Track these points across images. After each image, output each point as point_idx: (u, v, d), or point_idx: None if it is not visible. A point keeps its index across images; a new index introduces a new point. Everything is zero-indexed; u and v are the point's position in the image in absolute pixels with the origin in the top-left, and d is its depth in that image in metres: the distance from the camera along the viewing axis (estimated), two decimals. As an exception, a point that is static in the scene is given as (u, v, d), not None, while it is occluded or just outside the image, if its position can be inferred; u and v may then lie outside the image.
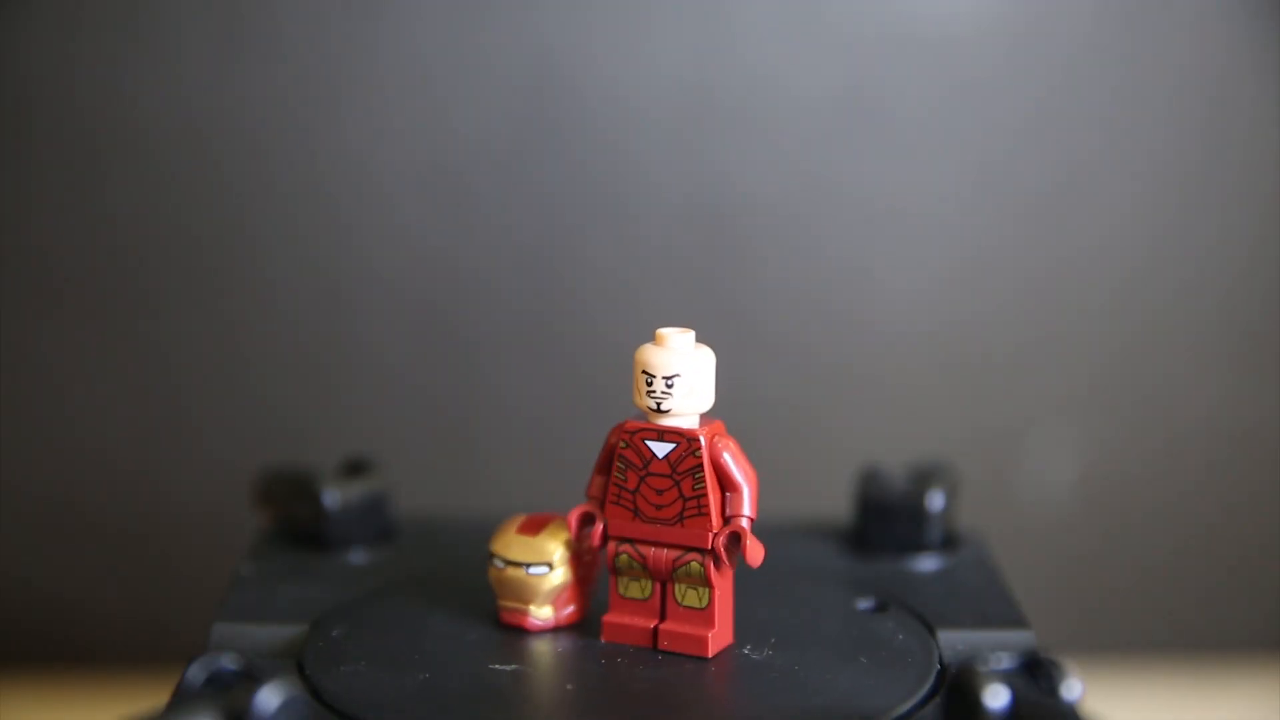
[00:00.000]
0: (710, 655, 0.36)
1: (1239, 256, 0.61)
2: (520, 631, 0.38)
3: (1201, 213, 0.61)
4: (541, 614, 0.38)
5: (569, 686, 0.35)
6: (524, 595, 0.38)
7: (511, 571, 0.37)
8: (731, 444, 0.36)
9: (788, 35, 0.58)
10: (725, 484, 0.36)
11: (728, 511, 0.36)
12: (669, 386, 0.36)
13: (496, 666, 0.36)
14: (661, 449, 0.36)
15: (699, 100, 0.59)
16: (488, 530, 0.44)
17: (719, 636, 0.37)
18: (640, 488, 0.36)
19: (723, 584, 0.37)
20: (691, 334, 0.36)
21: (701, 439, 0.36)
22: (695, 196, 0.59)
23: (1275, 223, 0.61)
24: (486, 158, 0.58)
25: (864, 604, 0.39)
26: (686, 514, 0.36)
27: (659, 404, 0.36)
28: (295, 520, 0.43)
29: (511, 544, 0.38)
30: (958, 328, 0.61)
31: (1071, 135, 0.60)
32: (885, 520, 0.43)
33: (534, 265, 0.60)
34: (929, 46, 0.58)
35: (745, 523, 0.36)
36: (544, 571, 0.37)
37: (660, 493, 0.36)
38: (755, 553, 0.36)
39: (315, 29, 0.57)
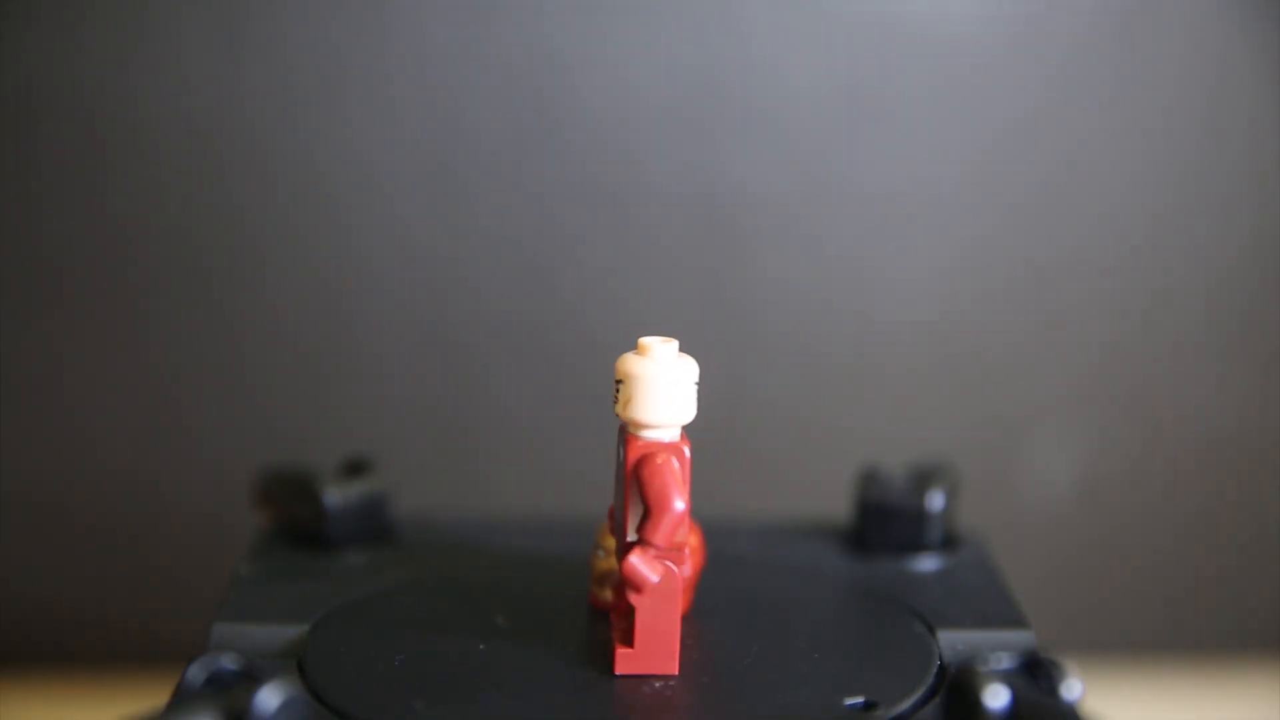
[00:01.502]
0: (617, 672, 0.35)
1: (1239, 254, 0.61)
2: (519, 630, 0.38)
3: (1201, 210, 0.61)
4: (602, 595, 0.39)
5: (475, 650, 0.36)
6: (592, 574, 0.39)
7: (594, 550, 0.39)
8: (663, 464, 0.34)
9: (788, 32, 0.58)
10: (643, 502, 0.35)
11: (640, 532, 0.35)
12: (616, 391, 0.35)
13: (487, 653, 0.36)
14: (623, 452, 0.36)
15: (700, 99, 0.59)
16: (487, 530, 0.44)
17: (635, 659, 0.35)
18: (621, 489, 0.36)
19: (644, 604, 0.35)
20: (669, 344, 0.35)
21: (630, 447, 0.35)
22: (695, 196, 0.59)
23: (1275, 220, 0.61)
24: (487, 157, 0.58)
25: (852, 701, 0.35)
26: (625, 523, 0.36)
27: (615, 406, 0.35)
28: (295, 520, 0.43)
29: (604, 526, 0.39)
30: (958, 327, 0.61)
31: (1071, 132, 0.60)
32: (885, 520, 0.43)
33: (534, 264, 0.60)
34: (929, 43, 0.58)
35: (645, 548, 0.34)
36: (601, 555, 0.38)
37: (622, 496, 0.36)
38: (634, 576, 0.34)
39: (316, 29, 0.57)
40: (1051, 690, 0.34)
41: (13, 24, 0.56)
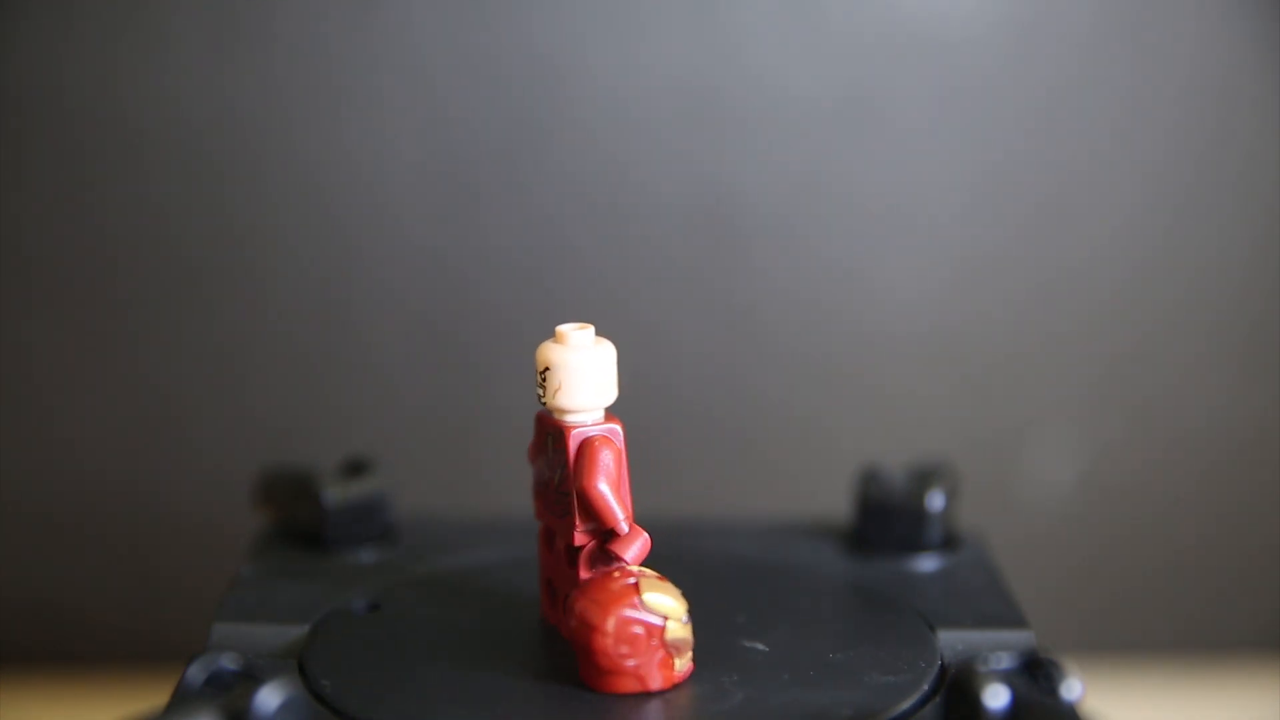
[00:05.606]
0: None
1: (1240, 258, 0.61)
2: (519, 630, 0.38)
3: (1203, 215, 0.61)
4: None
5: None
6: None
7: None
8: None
9: (787, 37, 0.58)
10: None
11: None
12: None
13: (498, 665, 0.36)
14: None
15: (699, 103, 0.59)
16: (488, 530, 0.44)
17: None
18: None
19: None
20: (584, 332, 0.38)
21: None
22: (695, 198, 0.59)
23: (1277, 224, 0.61)
24: (486, 159, 0.58)
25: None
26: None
27: None
28: (295, 520, 0.43)
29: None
30: (958, 328, 0.61)
31: (1072, 137, 0.60)
32: (885, 520, 0.43)
33: (533, 265, 0.60)
34: (929, 48, 0.58)
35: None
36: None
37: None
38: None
39: (310, 30, 0.57)
40: (1051, 690, 0.34)
41: (5, 26, 0.56)
